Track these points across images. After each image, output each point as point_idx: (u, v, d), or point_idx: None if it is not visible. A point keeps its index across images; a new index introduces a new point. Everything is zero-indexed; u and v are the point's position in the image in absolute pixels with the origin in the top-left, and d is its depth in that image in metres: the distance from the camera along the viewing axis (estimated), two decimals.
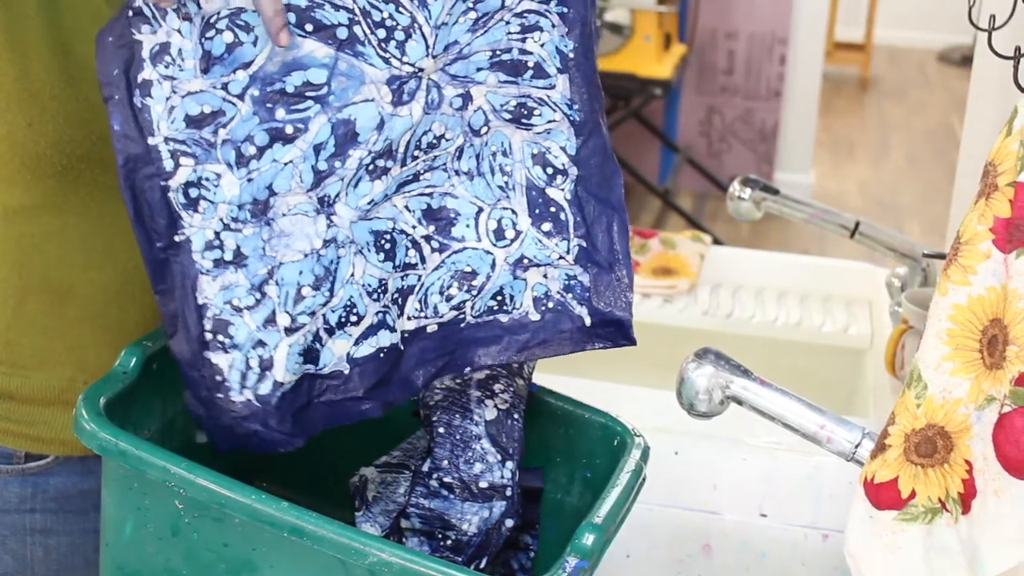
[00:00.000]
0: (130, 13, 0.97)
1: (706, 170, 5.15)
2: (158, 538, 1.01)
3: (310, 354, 1.06)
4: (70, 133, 1.12)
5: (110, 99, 0.99)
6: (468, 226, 1.10)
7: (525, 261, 1.10)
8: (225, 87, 0.99)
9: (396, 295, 1.08)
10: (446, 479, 1.10)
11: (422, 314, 1.10)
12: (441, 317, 1.10)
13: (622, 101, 4.63)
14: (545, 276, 1.10)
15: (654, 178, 5.08)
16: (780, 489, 1.48)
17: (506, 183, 1.09)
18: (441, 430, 1.12)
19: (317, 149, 1.00)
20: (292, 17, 0.98)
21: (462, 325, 1.11)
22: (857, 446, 1.08)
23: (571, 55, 1.07)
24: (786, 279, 2.10)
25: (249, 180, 1.00)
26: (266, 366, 1.04)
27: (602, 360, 2.03)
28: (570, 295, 1.10)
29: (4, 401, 1.21)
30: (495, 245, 1.10)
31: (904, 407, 0.99)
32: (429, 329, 1.11)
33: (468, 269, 1.10)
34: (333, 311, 1.06)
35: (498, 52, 1.06)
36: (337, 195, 1.02)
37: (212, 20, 0.97)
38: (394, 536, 1.11)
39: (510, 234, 1.10)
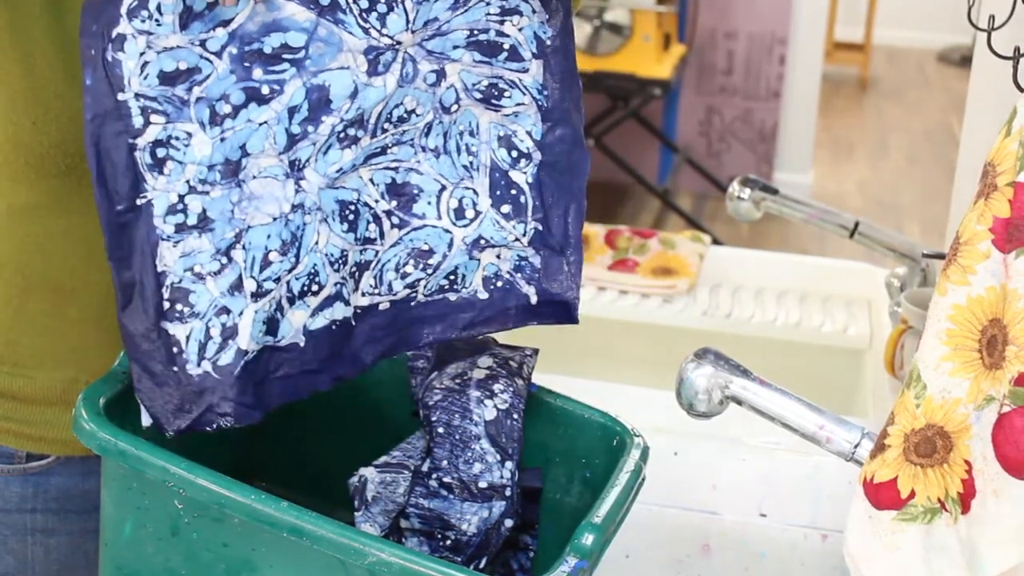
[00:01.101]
0: None
1: (705, 170, 5.16)
2: (157, 538, 1.01)
3: (271, 324, 1.04)
4: (74, 132, 1.12)
5: (85, 53, 0.96)
6: (430, 203, 1.10)
7: (482, 242, 1.11)
8: (203, 44, 0.98)
9: (354, 268, 1.08)
10: (445, 479, 1.10)
11: (376, 291, 1.10)
12: (394, 295, 1.11)
13: (621, 101, 4.63)
14: (498, 256, 1.11)
15: (653, 178, 5.08)
16: (779, 489, 1.48)
17: (471, 163, 1.10)
18: (440, 430, 1.12)
19: (291, 112, 1.00)
20: None
21: (412, 304, 1.11)
22: (856, 446, 1.08)
23: (548, 42, 1.08)
24: (785, 279, 2.10)
25: (222, 140, 0.99)
26: (229, 335, 1.01)
27: (601, 360, 2.03)
28: (519, 275, 1.12)
29: (6, 401, 1.21)
30: (454, 224, 1.10)
31: (903, 407, 0.99)
32: (381, 307, 1.11)
33: (425, 247, 1.10)
34: (297, 279, 1.04)
35: (476, 31, 1.06)
36: (307, 160, 1.02)
37: None
38: (394, 536, 1.11)
39: (470, 214, 1.10)
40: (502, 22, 1.07)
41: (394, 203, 1.09)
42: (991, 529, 0.91)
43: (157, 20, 0.96)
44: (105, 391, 1.03)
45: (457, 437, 1.11)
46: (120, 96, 0.97)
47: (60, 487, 1.23)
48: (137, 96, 0.97)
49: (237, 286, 1.01)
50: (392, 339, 1.12)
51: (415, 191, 1.09)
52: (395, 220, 1.09)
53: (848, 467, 1.10)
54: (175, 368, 1.01)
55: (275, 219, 1.02)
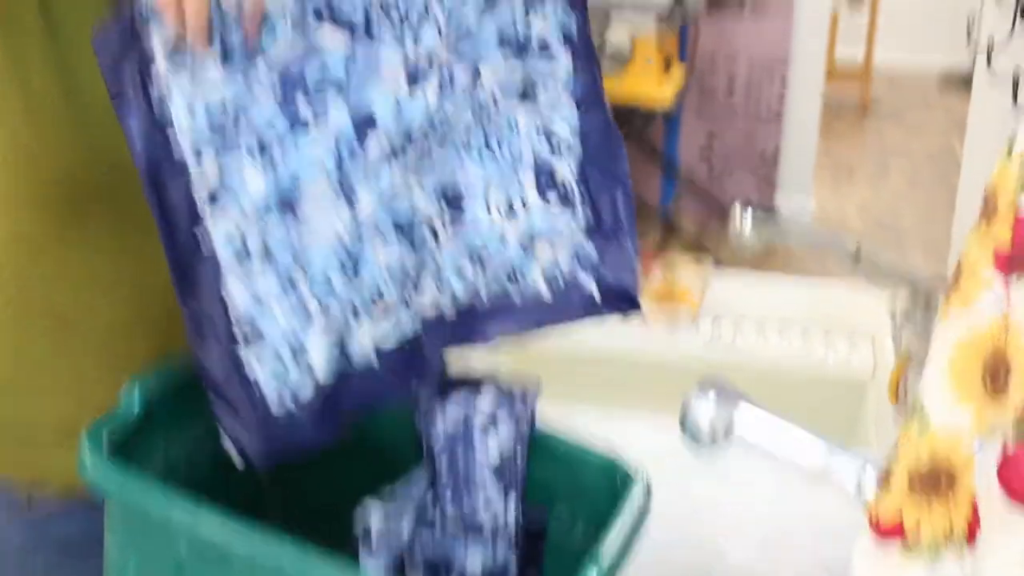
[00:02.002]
0: (138, 17, 0.96)
1: (708, 193, 5.16)
2: None
3: (343, 349, 1.06)
4: (77, 164, 1.12)
5: (121, 96, 0.97)
6: (478, 202, 1.12)
7: (534, 234, 1.13)
8: (245, 76, 0.99)
9: (414, 275, 1.10)
10: (449, 516, 1.10)
11: (439, 296, 1.12)
12: (457, 299, 1.13)
13: (623, 124, 4.63)
14: (553, 249, 1.13)
15: (655, 201, 5.09)
16: (785, 523, 1.48)
17: (513, 158, 1.12)
18: (444, 466, 1.11)
19: (337, 136, 1.01)
20: (310, 6, 0.99)
21: (478, 309, 1.14)
22: (861, 477, 1.07)
23: (574, 32, 1.10)
24: (788, 305, 2.10)
25: (273, 170, 1.01)
26: (297, 352, 1.04)
27: (604, 390, 2.03)
28: (578, 267, 1.14)
29: (8, 441, 1.21)
30: (505, 219, 1.12)
31: (907, 439, 0.98)
32: (448, 317, 1.13)
33: (479, 244, 1.12)
34: (360, 296, 1.06)
35: (504, 30, 1.08)
36: (359, 181, 1.03)
37: (229, 16, 0.97)
38: (398, 573, 1.10)
39: (518, 208, 1.12)
40: (529, 18, 1.08)
41: (444, 205, 1.11)
42: (997, 562, 0.90)
43: (200, 59, 0.97)
44: (108, 430, 1.03)
45: (461, 474, 1.11)
46: (171, 136, 0.98)
47: (63, 529, 1.23)
48: (187, 134, 0.99)
49: (302, 309, 1.03)
50: (459, 340, 1.14)
51: (462, 191, 1.11)
52: (447, 221, 1.11)
53: (853, 501, 1.09)
54: (256, 408, 1.03)
55: (332, 242, 1.04)
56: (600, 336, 2.01)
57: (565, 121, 1.12)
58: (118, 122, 1.12)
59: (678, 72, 4.72)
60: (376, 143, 1.03)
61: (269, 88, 1.00)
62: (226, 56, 0.98)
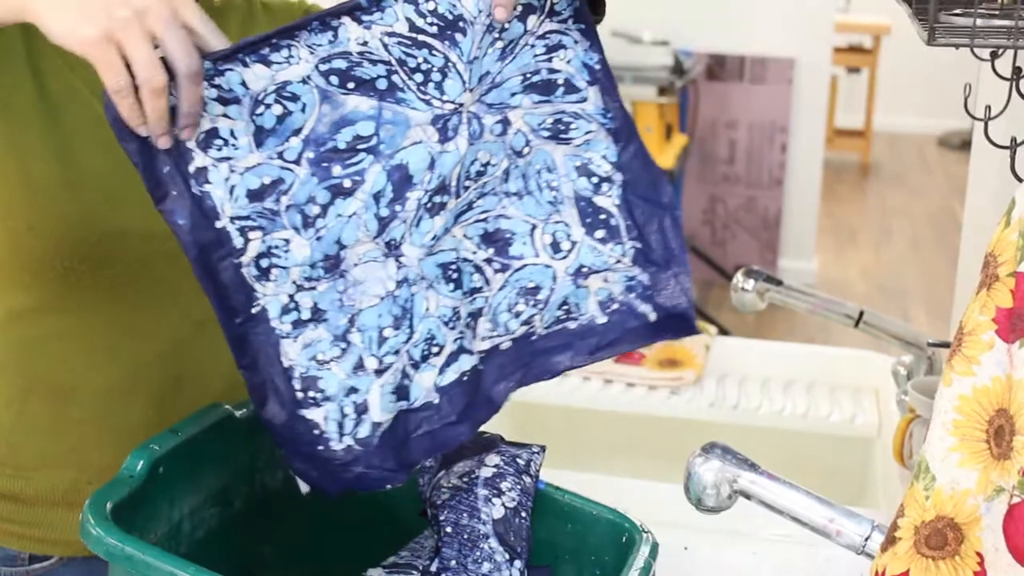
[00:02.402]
0: None
1: (710, 258, 5.17)
2: None
3: (401, 391, 1.09)
4: (71, 235, 1.13)
5: (166, 196, 0.99)
6: (525, 244, 1.13)
7: (584, 270, 1.14)
8: (281, 155, 1.01)
9: (469, 319, 1.12)
10: None
11: (494, 333, 1.14)
12: (513, 333, 1.14)
13: None
14: (606, 281, 1.14)
15: None
16: None
17: (555, 198, 1.13)
18: (449, 529, 1.11)
19: (376, 197, 1.04)
20: (335, 79, 1.01)
21: (533, 338, 1.15)
22: (867, 539, 1.07)
23: (597, 66, 1.11)
24: (792, 369, 2.10)
25: (318, 239, 1.03)
26: (361, 410, 1.07)
27: (609, 453, 2.02)
28: (632, 295, 1.15)
29: (7, 503, 1.21)
30: (553, 258, 1.14)
31: (913, 499, 0.98)
32: (503, 346, 1.14)
33: (531, 285, 1.14)
34: (416, 346, 1.09)
35: (528, 75, 1.10)
36: (402, 237, 1.06)
37: (260, 97, 0.99)
38: None
39: (566, 246, 1.14)
40: (550, 59, 1.10)
41: (491, 250, 1.13)
42: None
43: (234, 145, 1.00)
44: (112, 495, 1.02)
45: (465, 536, 1.11)
46: (217, 224, 1.01)
47: None
48: (232, 220, 1.01)
49: (360, 366, 1.06)
50: (520, 372, 1.15)
51: (508, 235, 1.13)
52: (496, 266, 1.13)
53: (860, 560, 1.09)
54: (320, 447, 1.07)
55: (382, 299, 1.06)
56: (603, 399, 2.01)
57: (603, 155, 1.13)
58: (109, 194, 1.13)
59: (679, 139, 4.75)
60: (415, 197, 1.05)
61: (305, 163, 1.02)
62: (260, 142, 1.00)
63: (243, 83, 0.98)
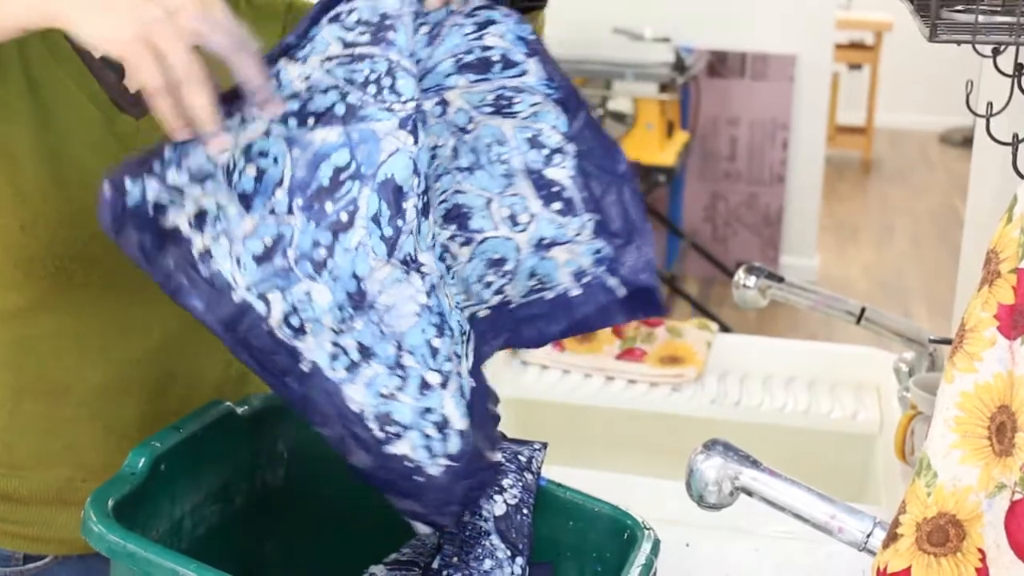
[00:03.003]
0: (150, 213, 0.96)
1: (711, 256, 5.17)
2: None
3: (463, 390, 1.08)
4: (62, 234, 1.13)
5: (179, 288, 0.98)
6: (484, 217, 1.13)
7: (546, 241, 1.13)
8: (273, 212, 1.00)
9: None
10: None
11: (469, 303, 1.13)
12: (488, 303, 1.14)
13: None
14: (572, 253, 1.13)
15: (660, 264, 5.10)
16: None
17: (507, 171, 1.12)
18: (450, 528, 1.11)
19: (376, 220, 1.01)
20: (294, 122, 0.99)
21: (512, 306, 1.15)
22: (869, 536, 1.07)
23: (532, 36, 1.10)
24: (793, 366, 2.09)
25: (335, 280, 1.01)
26: (443, 426, 1.05)
27: (611, 450, 2.02)
28: (602, 268, 1.14)
29: (2, 502, 1.21)
30: (512, 231, 1.13)
31: (915, 495, 0.98)
32: (480, 314, 1.14)
33: (496, 256, 1.13)
34: (458, 344, 1.08)
35: (461, 55, 1.08)
36: (414, 248, 1.03)
37: (230, 166, 0.98)
38: None
39: (524, 219, 1.13)
40: (482, 37, 1.09)
41: (454, 226, 1.12)
42: None
43: (225, 217, 0.99)
44: (113, 492, 1.03)
45: (467, 533, 1.11)
46: (235, 297, 0.99)
47: None
48: (248, 288, 1.00)
49: (425, 385, 1.04)
50: (503, 337, 1.16)
51: (466, 210, 1.12)
52: (460, 240, 1.12)
53: (861, 557, 1.09)
54: (418, 478, 1.05)
55: (419, 314, 1.04)
56: (604, 396, 2.01)
57: (552, 126, 1.11)
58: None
59: (680, 136, 4.75)
60: (411, 203, 1.02)
61: (298, 211, 1.00)
62: (248, 206, 0.99)
63: (208, 158, 0.96)
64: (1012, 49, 1.14)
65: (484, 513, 1.11)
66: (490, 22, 1.09)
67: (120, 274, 1.16)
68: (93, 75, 1.14)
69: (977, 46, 1.07)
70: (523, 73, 1.10)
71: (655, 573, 1.07)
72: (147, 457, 1.07)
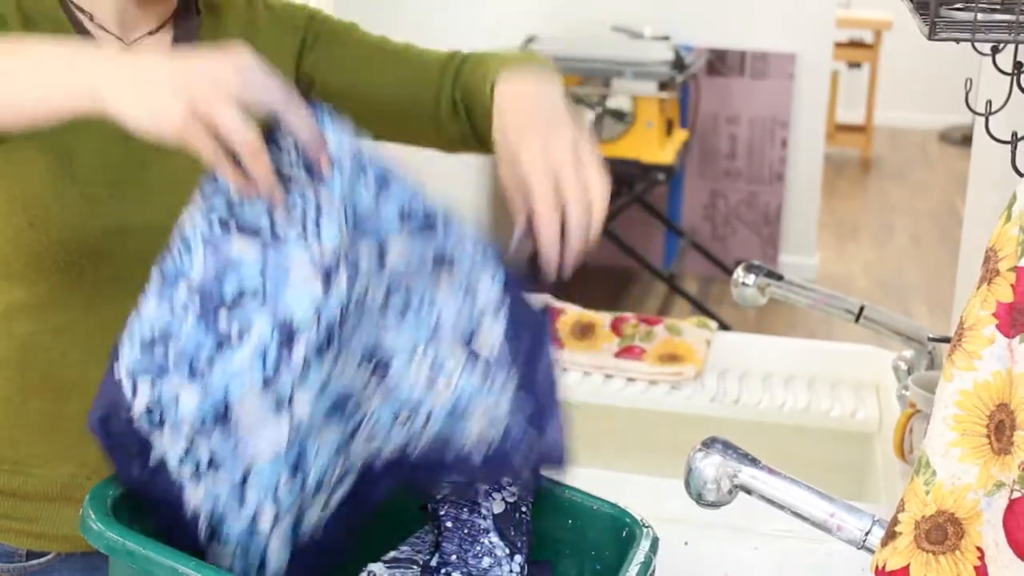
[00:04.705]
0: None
1: (711, 254, 5.17)
2: None
3: (296, 528, 1.07)
4: (72, 231, 1.13)
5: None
6: (406, 364, 1.09)
7: (461, 404, 1.10)
8: (171, 303, 1.00)
9: (351, 436, 1.09)
10: (454, 574, 1.10)
11: (372, 444, 1.11)
12: (391, 446, 1.11)
13: (626, 187, 4.65)
14: (484, 419, 1.10)
15: (659, 263, 5.10)
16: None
17: (435, 322, 1.09)
18: (449, 524, 1.11)
19: (264, 352, 0.99)
20: (215, 218, 1.00)
21: (411, 458, 1.11)
22: (867, 534, 1.07)
23: None
24: (793, 364, 2.10)
25: (205, 391, 0.99)
26: (263, 557, 1.05)
27: (610, 448, 2.02)
28: (507, 444, 1.10)
29: (6, 499, 1.21)
30: (432, 384, 1.09)
31: (913, 494, 0.98)
32: (384, 454, 1.11)
33: (410, 401, 1.10)
34: (312, 489, 1.06)
35: (404, 207, 1.06)
36: (292, 388, 1.00)
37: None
38: None
39: (444, 375, 1.09)
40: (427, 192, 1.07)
41: (372, 367, 1.09)
42: None
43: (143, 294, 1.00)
44: (113, 491, 1.03)
45: (465, 531, 1.11)
46: (115, 374, 1.00)
47: None
48: (128, 373, 1.00)
49: (259, 515, 1.03)
50: (395, 481, 1.13)
51: (388, 355, 1.09)
52: (376, 383, 1.09)
53: (860, 555, 1.09)
54: None
55: (276, 452, 1.02)
56: (603, 394, 2.01)
57: (490, 283, 1.09)
58: (109, 188, 1.13)
59: (679, 134, 4.75)
60: (301, 347, 0.99)
61: (192, 314, 0.99)
62: (157, 285, 1.00)
63: None
64: (1011, 47, 1.14)
65: (483, 511, 1.11)
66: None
67: (129, 271, 1.16)
68: None
69: (976, 44, 1.07)
70: (463, 232, 1.08)
71: (654, 571, 1.08)
72: None
